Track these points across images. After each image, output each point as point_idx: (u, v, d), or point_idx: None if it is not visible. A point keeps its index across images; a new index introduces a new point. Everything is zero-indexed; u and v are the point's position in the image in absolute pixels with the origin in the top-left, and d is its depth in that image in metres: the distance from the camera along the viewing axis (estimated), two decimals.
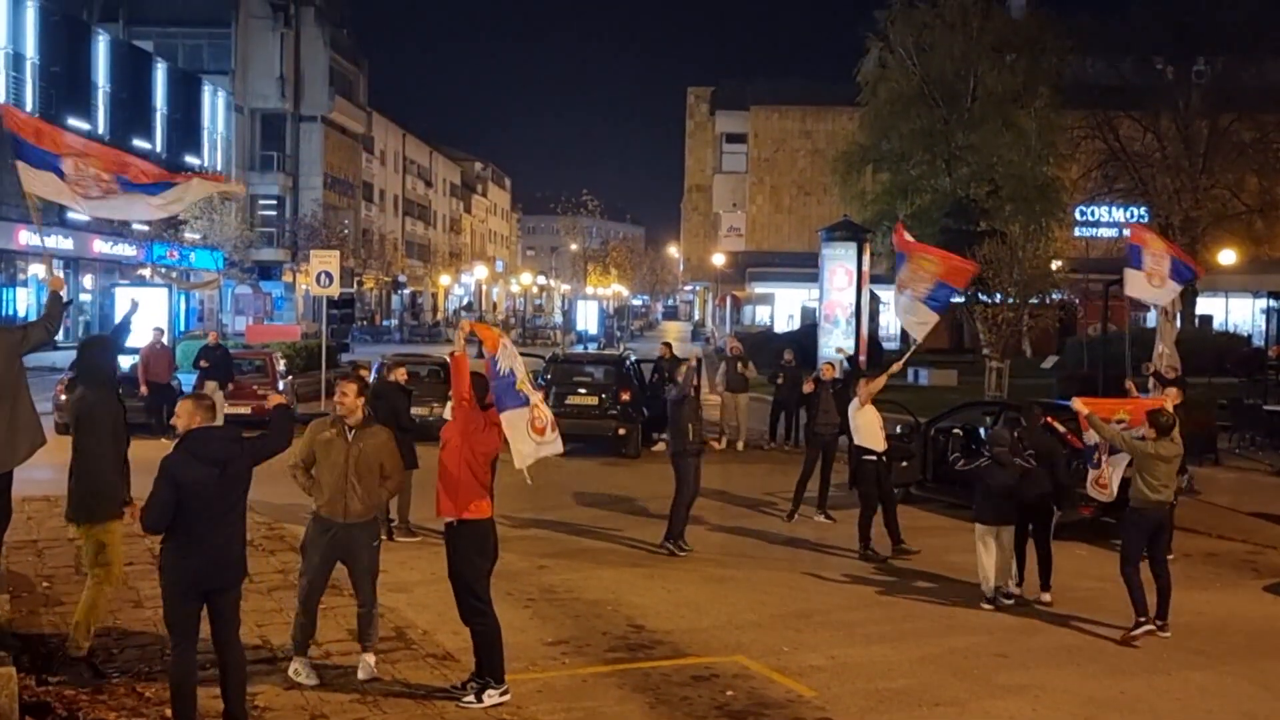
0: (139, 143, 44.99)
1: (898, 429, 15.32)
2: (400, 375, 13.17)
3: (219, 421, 6.98)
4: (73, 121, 41.43)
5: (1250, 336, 39.24)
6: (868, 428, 12.79)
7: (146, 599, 9.17)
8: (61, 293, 8.01)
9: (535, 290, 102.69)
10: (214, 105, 53.21)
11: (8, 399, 7.29)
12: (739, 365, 21.10)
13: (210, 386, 19.56)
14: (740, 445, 20.43)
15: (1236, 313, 51.43)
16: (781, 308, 62.15)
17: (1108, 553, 12.61)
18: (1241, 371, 25.25)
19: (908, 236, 14.91)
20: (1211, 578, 12.09)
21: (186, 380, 21.11)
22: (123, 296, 29.28)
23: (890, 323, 55.84)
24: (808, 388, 15.34)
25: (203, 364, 20.19)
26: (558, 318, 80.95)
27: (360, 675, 7.69)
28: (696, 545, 12.59)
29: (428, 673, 7.84)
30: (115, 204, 9.15)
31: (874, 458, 12.73)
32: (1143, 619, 9.54)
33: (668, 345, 23.32)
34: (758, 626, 9.69)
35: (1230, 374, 26.19)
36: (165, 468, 6.41)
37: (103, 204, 9.07)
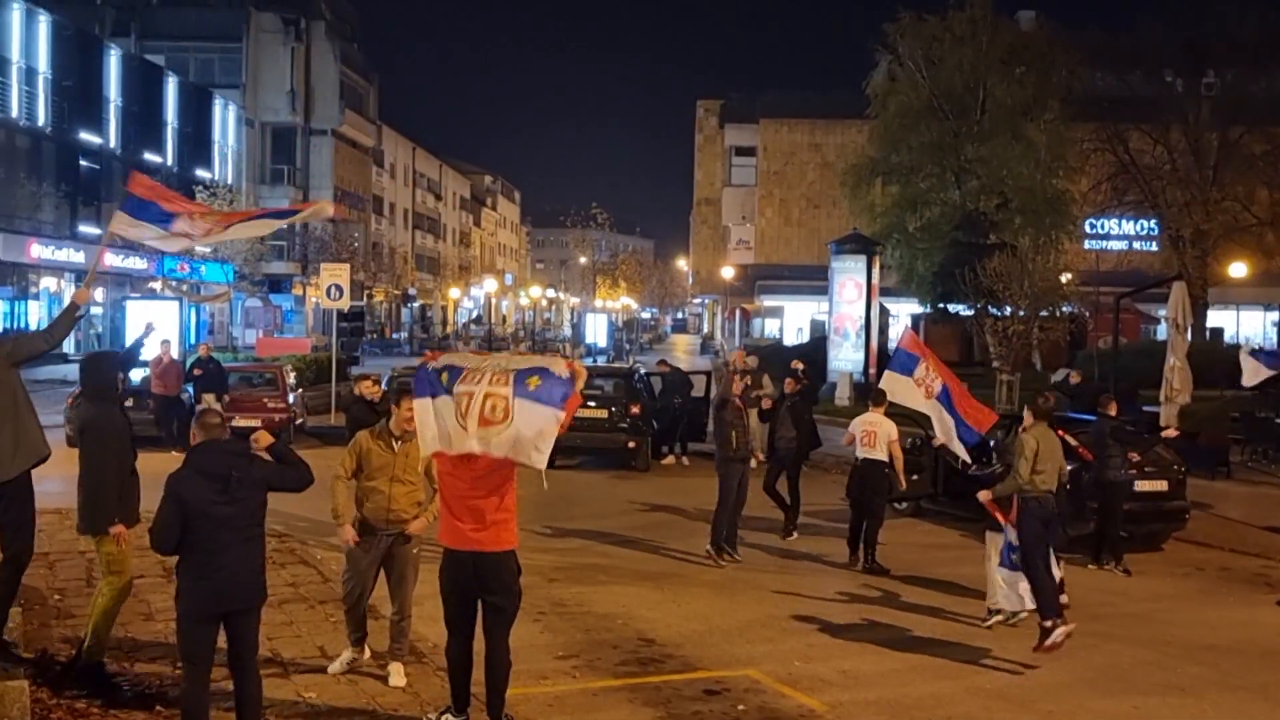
0: (150, 156, 45.26)
1: (908, 442, 15.27)
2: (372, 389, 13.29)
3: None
4: (84, 135, 41.74)
5: (1261, 349, 39.07)
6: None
7: (158, 612, 9.18)
8: (80, 307, 8.06)
9: (544, 303, 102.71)
10: (225, 119, 53.47)
11: (9, 414, 7.27)
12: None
13: (208, 399, 19.69)
14: (753, 462, 20.39)
15: (1248, 325, 51.30)
16: (791, 321, 62.05)
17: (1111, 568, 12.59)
18: (1253, 385, 25.12)
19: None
20: (1224, 593, 12.04)
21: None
22: (134, 311, 29.30)
23: (897, 335, 55.86)
24: (766, 404, 15.41)
25: (195, 372, 20.46)
26: (567, 331, 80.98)
27: (391, 682, 7.89)
28: (703, 558, 12.59)
29: (440, 685, 7.81)
30: (222, 235, 10.30)
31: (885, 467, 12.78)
32: (1058, 620, 9.19)
33: (664, 362, 23.29)
34: (768, 640, 9.67)
35: (1241, 387, 26.06)
36: (169, 485, 6.25)
37: (209, 237, 9.69)
